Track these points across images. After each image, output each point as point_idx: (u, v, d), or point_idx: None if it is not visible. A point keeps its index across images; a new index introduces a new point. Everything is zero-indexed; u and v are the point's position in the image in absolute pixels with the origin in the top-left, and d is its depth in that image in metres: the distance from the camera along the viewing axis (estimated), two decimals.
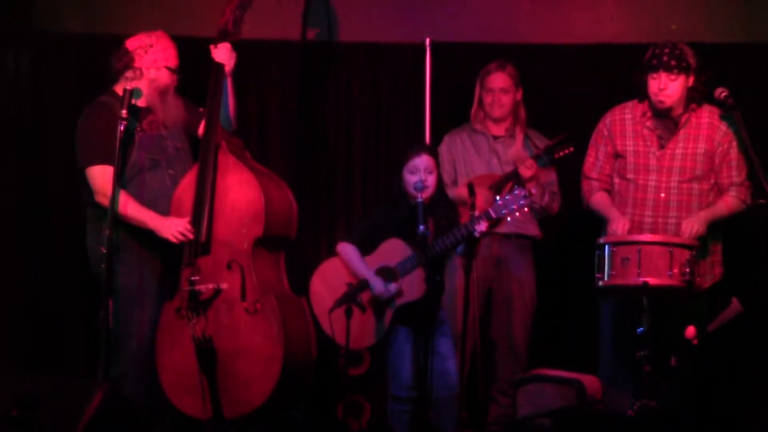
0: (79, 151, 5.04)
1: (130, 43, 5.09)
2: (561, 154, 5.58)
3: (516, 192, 4.78)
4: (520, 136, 5.71)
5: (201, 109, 5.17)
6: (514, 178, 5.52)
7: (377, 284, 4.94)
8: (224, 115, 5.14)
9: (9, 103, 5.99)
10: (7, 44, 5.98)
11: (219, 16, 5.15)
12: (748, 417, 5.58)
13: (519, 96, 5.73)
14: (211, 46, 5.11)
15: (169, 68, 5.10)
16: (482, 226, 4.78)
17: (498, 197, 4.83)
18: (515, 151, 5.66)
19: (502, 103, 5.68)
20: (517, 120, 5.74)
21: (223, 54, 5.09)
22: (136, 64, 5.06)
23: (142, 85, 5.05)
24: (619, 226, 5.15)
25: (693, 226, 5.09)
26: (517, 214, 4.80)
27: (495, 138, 5.74)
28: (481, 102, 5.73)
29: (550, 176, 5.68)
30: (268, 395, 4.79)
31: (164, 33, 5.13)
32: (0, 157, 5.96)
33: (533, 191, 4.95)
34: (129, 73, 5.05)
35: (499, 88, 5.67)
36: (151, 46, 5.07)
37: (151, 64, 5.06)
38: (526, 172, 5.51)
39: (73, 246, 5.45)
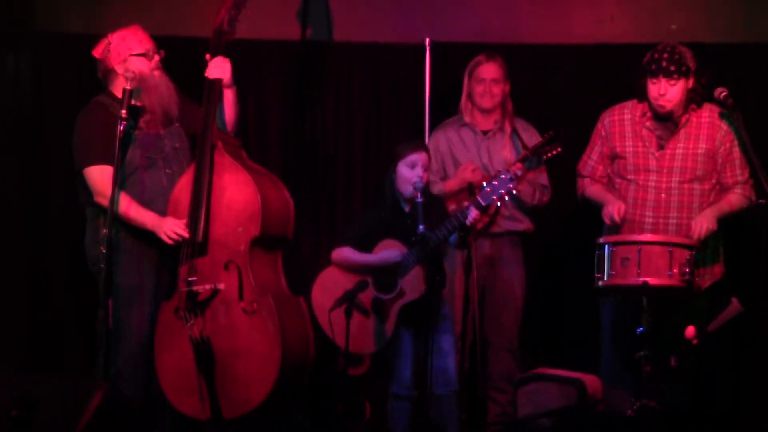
0: (77, 152, 5.03)
1: (96, 52, 5.08)
2: (549, 155, 5.52)
3: (502, 176, 4.80)
4: (508, 130, 5.69)
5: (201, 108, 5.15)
6: None
7: (390, 255, 4.93)
8: (221, 122, 5.13)
9: (9, 103, 6.00)
10: (7, 44, 5.99)
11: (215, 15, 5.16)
12: (748, 417, 5.57)
13: (507, 88, 5.70)
14: (207, 56, 5.08)
15: (134, 54, 5.04)
16: (474, 214, 4.80)
17: (485, 183, 4.85)
18: (504, 155, 5.65)
19: (493, 94, 5.64)
20: (505, 113, 5.71)
21: (216, 71, 5.06)
22: (110, 67, 5.05)
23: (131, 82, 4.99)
24: (614, 208, 5.14)
25: (703, 224, 5.07)
26: (506, 198, 4.81)
27: (484, 133, 5.72)
28: (470, 94, 5.70)
29: (540, 173, 5.67)
30: (266, 395, 4.80)
31: (123, 28, 5.08)
32: (0, 157, 5.96)
33: (520, 188, 4.95)
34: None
35: (490, 78, 5.63)
36: (110, 43, 5.04)
37: (117, 59, 5.03)
38: None
39: (72, 246, 5.45)
